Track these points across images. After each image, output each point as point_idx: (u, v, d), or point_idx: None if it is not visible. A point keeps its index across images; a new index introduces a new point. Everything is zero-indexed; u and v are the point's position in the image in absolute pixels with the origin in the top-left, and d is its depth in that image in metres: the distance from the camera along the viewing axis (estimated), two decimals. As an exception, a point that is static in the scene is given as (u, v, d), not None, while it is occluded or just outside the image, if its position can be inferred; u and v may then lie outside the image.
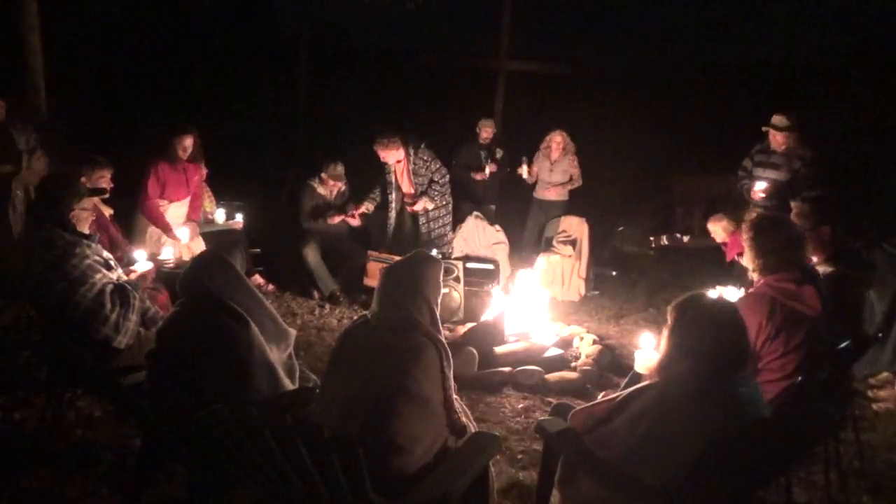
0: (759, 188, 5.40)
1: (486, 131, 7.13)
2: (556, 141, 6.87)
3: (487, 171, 7.01)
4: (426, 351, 2.35)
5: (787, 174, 5.39)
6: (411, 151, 6.06)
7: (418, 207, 6.18)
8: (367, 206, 6.21)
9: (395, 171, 6.22)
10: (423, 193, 6.17)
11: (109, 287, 3.33)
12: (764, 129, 5.50)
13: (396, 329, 2.39)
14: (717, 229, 5.18)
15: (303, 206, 6.13)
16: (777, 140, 5.42)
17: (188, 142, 5.43)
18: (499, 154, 7.20)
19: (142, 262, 3.82)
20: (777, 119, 5.41)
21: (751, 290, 3.04)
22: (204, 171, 5.83)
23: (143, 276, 3.68)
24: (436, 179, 6.17)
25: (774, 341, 2.80)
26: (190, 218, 5.58)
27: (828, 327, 3.03)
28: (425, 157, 6.11)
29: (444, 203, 6.33)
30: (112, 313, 3.27)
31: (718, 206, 8.63)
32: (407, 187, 6.27)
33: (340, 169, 6.11)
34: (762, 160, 5.55)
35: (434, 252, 6.15)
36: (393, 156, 5.99)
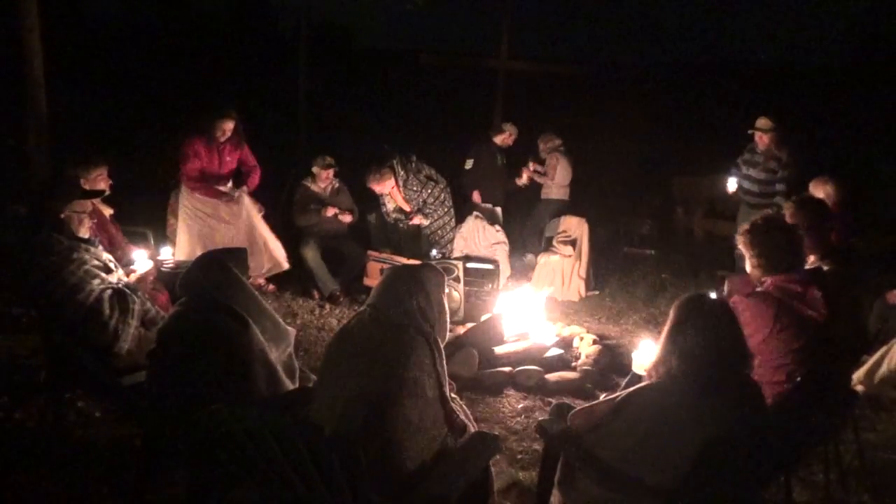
0: (730, 184, 6.06)
1: (512, 137, 7.35)
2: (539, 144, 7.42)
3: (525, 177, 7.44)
4: (417, 346, 2.37)
5: (763, 173, 5.96)
6: (401, 182, 6.18)
7: (416, 222, 6.32)
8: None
9: (390, 196, 6.30)
10: (419, 211, 6.29)
11: (108, 293, 3.31)
12: (750, 132, 6.03)
13: (389, 324, 2.41)
14: (820, 193, 5.04)
15: (297, 205, 6.13)
16: (763, 141, 5.95)
17: (228, 126, 5.54)
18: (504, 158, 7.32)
19: (141, 261, 3.81)
20: (761, 122, 5.95)
21: (757, 289, 3.03)
22: (246, 153, 5.86)
23: (143, 279, 3.67)
24: (429, 202, 6.29)
25: (773, 344, 2.79)
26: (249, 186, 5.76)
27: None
28: (415, 188, 6.23)
29: (443, 212, 6.41)
30: (111, 319, 3.25)
31: (718, 206, 8.69)
32: (404, 205, 6.35)
33: (329, 159, 6.16)
34: (748, 158, 6.12)
35: (434, 252, 6.18)
36: (387, 186, 6.15)
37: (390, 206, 6.33)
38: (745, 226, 3.08)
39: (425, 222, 6.30)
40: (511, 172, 7.46)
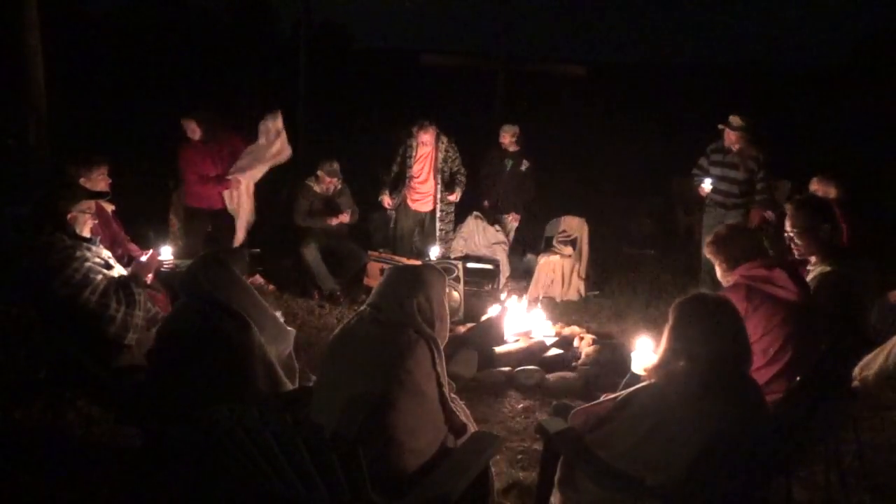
0: (707, 186, 5.88)
1: (506, 137, 6.81)
2: None
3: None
4: (417, 345, 2.38)
5: (743, 173, 5.84)
6: (444, 140, 6.37)
7: (453, 198, 6.47)
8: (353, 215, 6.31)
9: (416, 157, 6.37)
10: (453, 183, 6.45)
11: (112, 286, 3.33)
12: (720, 126, 5.90)
13: (389, 324, 2.41)
14: (821, 193, 4.96)
15: (299, 205, 6.15)
16: (730, 138, 5.81)
17: (189, 125, 5.69)
18: (524, 166, 6.78)
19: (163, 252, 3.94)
20: (733, 119, 5.84)
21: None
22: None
23: (148, 263, 3.64)
24: (462, 172, 6.50)
25: (752, 325, 2.80)
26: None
27: (827, 326, 3.05)
28: (455, 149, 6.45)
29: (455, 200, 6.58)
30: (118, 313, 3.28)
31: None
32: (425, 175, 6.41)
33: (336, 166, 6.18)
34: (718, 159, 5.97)
35: (437, 247, 6.19)
36: (429, 138, 6.30)
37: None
38: (710, 237, 3.17)
39: (454, 198, 6.47)
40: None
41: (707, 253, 3.17)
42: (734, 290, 2.97)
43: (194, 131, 5.70)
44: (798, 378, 2.90)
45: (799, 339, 2.88)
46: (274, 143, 5.81)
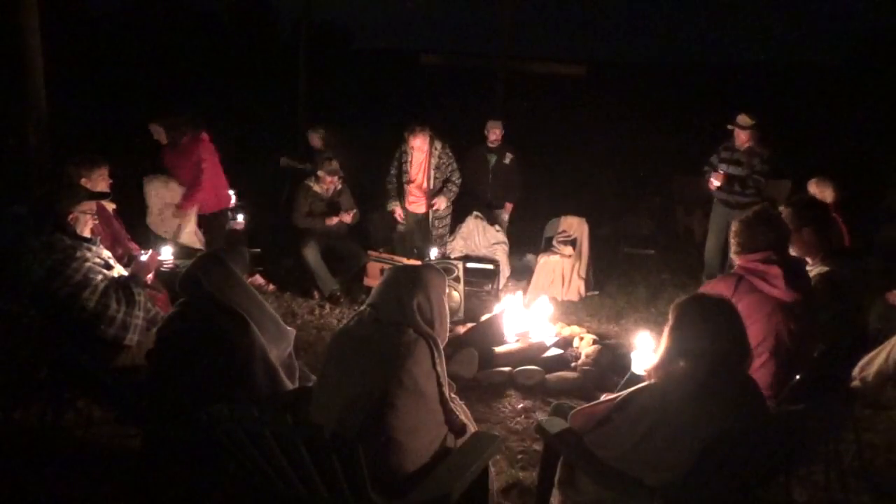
0: (714, 180, 6.01)
1: (494, 133, 6.88)
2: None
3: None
4: (417, 345, 2.38)
5: (748, 170, 5.95)
6: (437, 146, 6.34)
7: (439, 206, 6.41)
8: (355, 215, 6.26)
9: (411, 162, 6.37)
10: (440, 192, 6.38)
11: (113, 287, 3.34)
12: (729, 126, 6.03)
13: (389, 324, 2.41)
14: (819, 194, 4.90)
15: (299, 206, 6.14)
16: (741, 138, 5.98)
17: (156, 130, 5.67)
18: (507, 159, 6.89)
19: (163, 251, 3.98)
20: (741, 119, 5.97)
21: None
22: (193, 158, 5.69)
23: (149, 263, 3.64)
24: (453, 180, 6.45)
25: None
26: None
27: (825, 326, 3.06)
28: (449, 154, 6.42)
29: (451, 202, 6.57)
30: (118, 313, 3.28)
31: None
32: (420, 178, 6.40)
33: (336, 165, 6.18)
34: (727, 157, 6.10)
35: (434, 250, 6.19)
36: (421, 143, 6.28)
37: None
38: (743, 217, 3.17)
39: (444, 205, 6.43)
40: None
41: (731, 234, 3.20)
42: (727, 278, 3.04)
43: (161, 136, 5.67)
44: (795, 377, 2.90)
45: (787, 336, 2.87)
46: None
